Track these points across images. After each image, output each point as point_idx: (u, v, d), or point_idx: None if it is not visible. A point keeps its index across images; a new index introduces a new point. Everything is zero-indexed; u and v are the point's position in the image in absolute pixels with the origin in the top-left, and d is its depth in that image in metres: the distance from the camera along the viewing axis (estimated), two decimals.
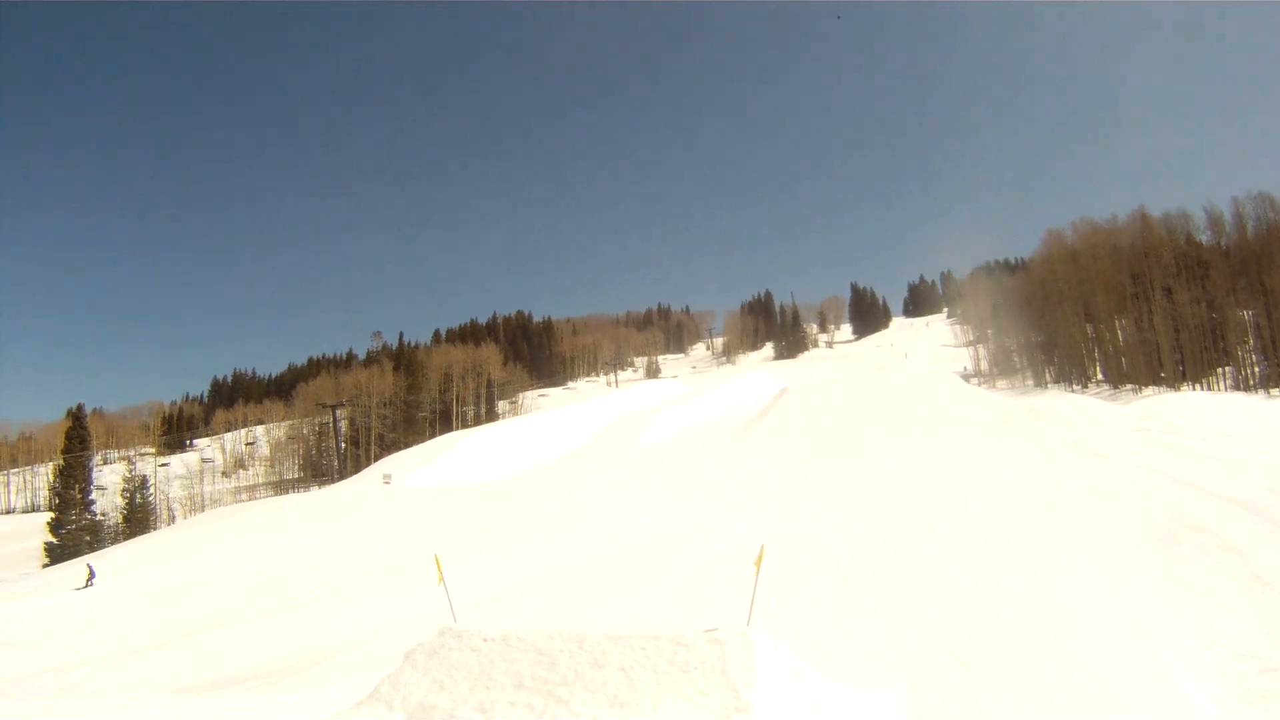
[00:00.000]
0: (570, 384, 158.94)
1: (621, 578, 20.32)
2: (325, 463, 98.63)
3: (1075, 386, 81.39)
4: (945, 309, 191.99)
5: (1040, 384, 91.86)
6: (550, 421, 70.64)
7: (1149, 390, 69.29)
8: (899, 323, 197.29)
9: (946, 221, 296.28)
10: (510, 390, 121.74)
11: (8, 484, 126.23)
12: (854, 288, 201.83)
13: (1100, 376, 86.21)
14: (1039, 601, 14.09)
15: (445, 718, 5.70)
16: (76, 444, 56.10)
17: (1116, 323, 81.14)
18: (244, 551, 31.41)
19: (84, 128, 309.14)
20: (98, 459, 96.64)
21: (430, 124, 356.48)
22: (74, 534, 50.65)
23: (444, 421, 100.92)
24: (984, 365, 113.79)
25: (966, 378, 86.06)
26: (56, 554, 48.86)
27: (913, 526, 21.66)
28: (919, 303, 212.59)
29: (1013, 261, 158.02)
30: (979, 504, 24.09)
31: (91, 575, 28.79)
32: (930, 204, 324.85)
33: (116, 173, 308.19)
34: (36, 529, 60.82)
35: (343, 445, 76.64)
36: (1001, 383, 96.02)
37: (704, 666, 5.62)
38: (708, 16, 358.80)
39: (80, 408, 65.60)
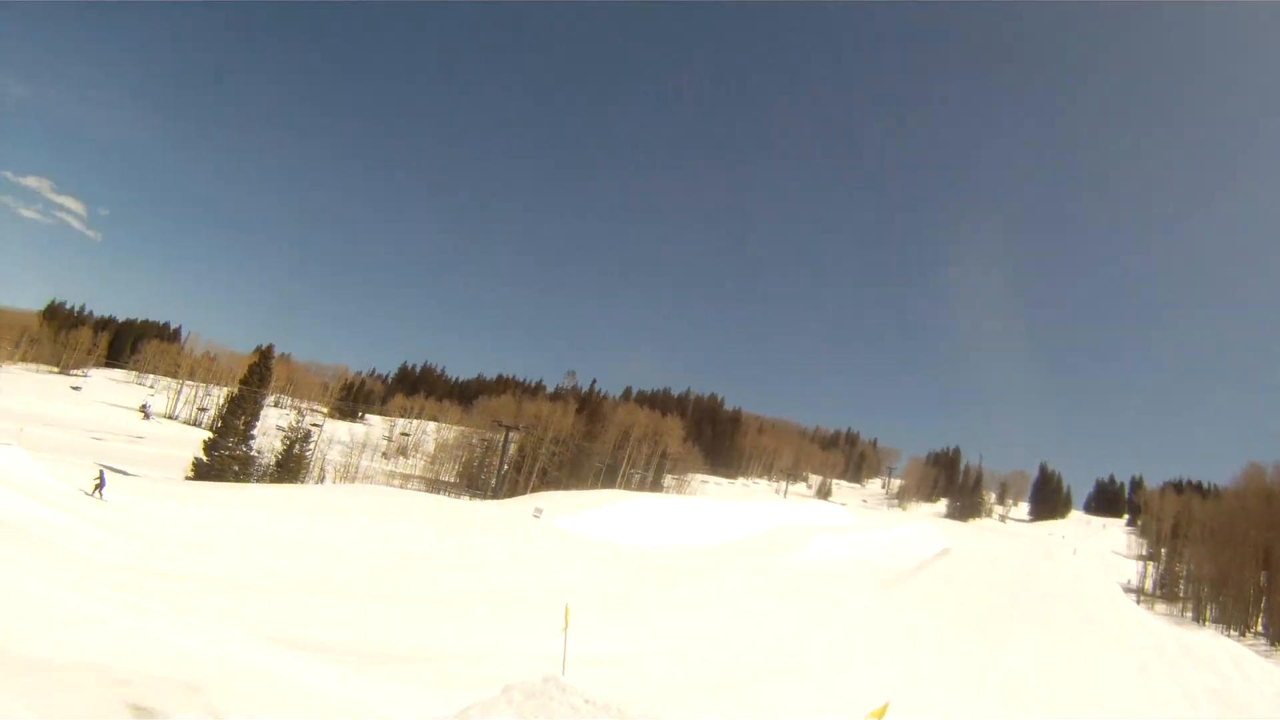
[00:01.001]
0: (744, 479, 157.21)
1: (734, 685, 19.99)
2: (483, 478, 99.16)
3: (1233, 631, 74.46)
4: (1127, 515, 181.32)
5: (1199, 619, 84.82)
6: (714, 509, 70.15)
7: None
8: (1077, 516, 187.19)
9: (1152, 423, 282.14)
10: (682, 467, 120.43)
11: (179, 394, 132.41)
12: (1042, 468, 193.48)
13: (1260, 629, 79.03)
14: None
15: None
16: (256, 379, 57.04)
17: None
18: (383, 533, 31.28)
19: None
20: (270, 400, 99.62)
21: (694, 199, 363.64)
22: (224, 459, 51.10)
23: (609, 476, 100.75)
24: (1149, 584, 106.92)
25: (1129, 591, 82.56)
26: (203, 472, 49.59)
27: None
28: (1102, 501, 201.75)
29: (1206, 485, 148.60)
30: None
31: (101, 483, 27.59)
32: (1144, 404, 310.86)
33: (383, 134, 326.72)
34: (191, 443, 62.22)
35: (505, 467, 76.38)
36: (1161, 607, 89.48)
37: None
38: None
39: (270, 347, 67.17)
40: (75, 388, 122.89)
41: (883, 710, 7.26)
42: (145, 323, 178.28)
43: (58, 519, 18.54)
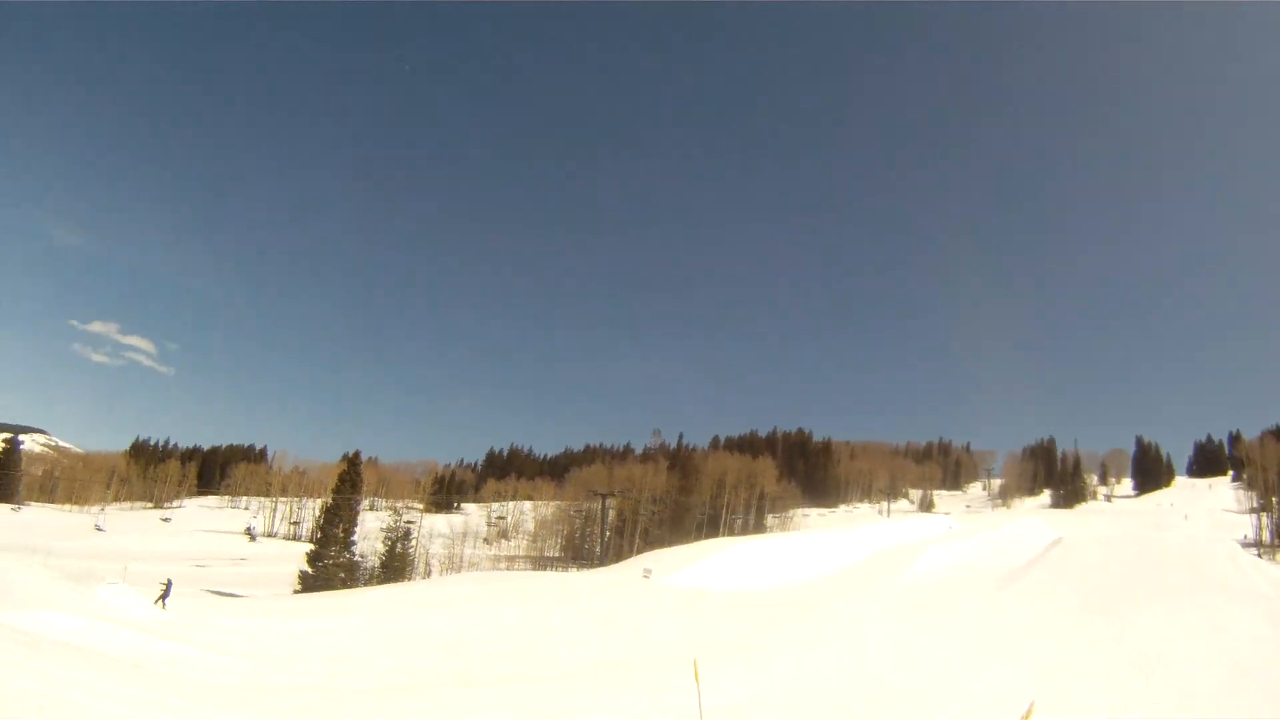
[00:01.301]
0: (846, 506, 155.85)
1: (869, 713, 19.76)
2: (587, 547, 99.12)
3: None
4: (1231, 472, 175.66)
5: None
6: (816, 542, 69.58)
7: None
8: (1182, 482, 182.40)
9: (1241, 378, 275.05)
10: (781, 505, 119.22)
11: (274, 511, 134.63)
12: (1139, 441, 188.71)
13: None
14: None
15: None
16: (348, 486, 57.46)
17: None
18: (494, 617, 31.73)
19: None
20: (365, 504, 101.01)
21: (737, 240, 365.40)
22: (330, 569, 51.50)
23: (711, 526, 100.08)
24: (1266, 535, 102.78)
25: (1247, 546, 79.41)
26: (309, 583, 49.82)
27: (1172, 702, 20.84)
28: (1204, 463, 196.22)
29: None
30: (1246, 689, 22.45)
31: (167, 590, 27.90)
32: (1226, 358, 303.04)
33: (438, 230, 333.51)
34: (294, 557, 62.97)
35: (607, 534, 76.38)
36: None
37: None
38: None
39: (357, 454, 67.98)
40: (165, 519, 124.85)
41: (1029, 712, 7.08)
42: (231, 447, 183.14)
43: (172, 649, 18.83)
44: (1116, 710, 19.36)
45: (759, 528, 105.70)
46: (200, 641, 20.51)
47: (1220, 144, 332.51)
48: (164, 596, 28.29)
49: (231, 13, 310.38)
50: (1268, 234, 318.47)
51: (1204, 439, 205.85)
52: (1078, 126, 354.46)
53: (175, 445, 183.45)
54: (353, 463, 63.88)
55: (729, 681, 20.93)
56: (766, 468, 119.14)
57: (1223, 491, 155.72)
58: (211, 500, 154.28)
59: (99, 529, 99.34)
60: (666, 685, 20.32)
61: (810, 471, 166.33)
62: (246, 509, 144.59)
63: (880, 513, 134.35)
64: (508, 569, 79.87)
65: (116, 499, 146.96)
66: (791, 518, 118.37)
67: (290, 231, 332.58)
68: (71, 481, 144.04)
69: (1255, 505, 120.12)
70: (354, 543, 55.05)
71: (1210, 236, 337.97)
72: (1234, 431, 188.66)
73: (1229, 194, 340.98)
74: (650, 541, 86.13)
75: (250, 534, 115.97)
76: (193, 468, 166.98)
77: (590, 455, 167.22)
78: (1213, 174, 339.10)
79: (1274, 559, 69.06)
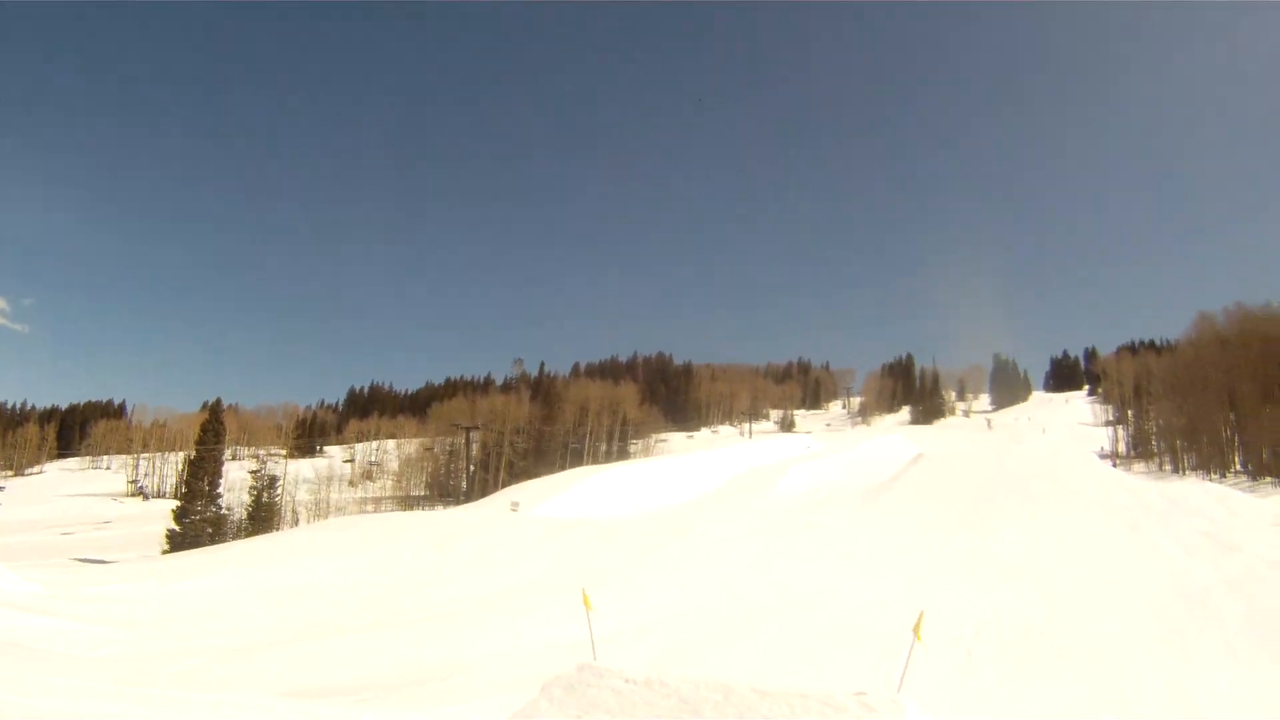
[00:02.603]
0: (709, 429, 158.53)
1: (742, 629, 20.51)
2: (453, 483, 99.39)
3: (1213, 476, 77.42)
4: (1086, 386, 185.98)
5: (1178, 470, 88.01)
6: (681, 466, 70.69)
7: None
8: (1039, 397, 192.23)
9: (1094, 295, 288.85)
10: (644, 430, 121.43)
11: (136, 467, 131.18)
12: (996, 358, 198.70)
13: (1239, 467, 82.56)
14: (1169, 695, 14.19)
15: None
16: (211, 437, 56.07)
17: (1262, 413, 76.41)
18: (366, 561, 31.54)
19: (250, 116, 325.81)
20: (228, 454, 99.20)
21: (595, 161, 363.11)
22: (197, 524, 50.45)
23: (576, 455, 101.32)
24: (1122, 447, 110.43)
25: (1103, 457, 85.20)
26: (178, 542, 48.52)
27: (1040, 608, 21.72)
28: (1060, 378, 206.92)
29: (1159, 343, 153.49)
30: (1109, 590, 23.93)
31: None
32: (1077, 276, 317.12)
33: (273, 165, 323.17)
34: (160, 515, 61.73)
35: (472, 468, 76.73)
36: (1138, 466, 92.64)
37: None
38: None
39: (218, 401, 66.70)
40: None
41: (919, 621, 7.79)
42: (89, 404, 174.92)
43: (44, 624, 18.68)
44: (984, 618, 20.38)
45: (623, 454, 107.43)
46: (74, 614, 20.21)
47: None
48: None
49: None
50: (1121, 152, 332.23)
51: (1060, 355, 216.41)
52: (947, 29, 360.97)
53: (33, 406, 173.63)
54: (214, 411, 62.62)
55: (610, 608, 21.43)
56: (629, 393, 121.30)
57: (1079, 405, 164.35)
58: (72, 462, 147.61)
59: None
60: (546, 617, 21.11)
61: (672, 395, 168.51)
62: (108, 469, 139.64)
63: (742, 434, 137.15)
64: (375, 511, 79.50)
65: None
66: (655, 442, 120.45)
67: (139, 175, 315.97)
68: None
69: (1111, 418, 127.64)
70: (220, 495, 53.90)
71: (1067, 154, 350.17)
72: (1090, 348, 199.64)
73: (1083, 108, 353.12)
74: (516, 474, 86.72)
75: (143, 492, 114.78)
76: (51, 429, 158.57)
77: (452, 388, 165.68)
78: (1053, 83, 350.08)
79: (1130, 469, 73.31)
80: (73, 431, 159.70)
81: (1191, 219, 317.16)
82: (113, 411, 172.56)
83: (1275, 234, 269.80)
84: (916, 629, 7.53)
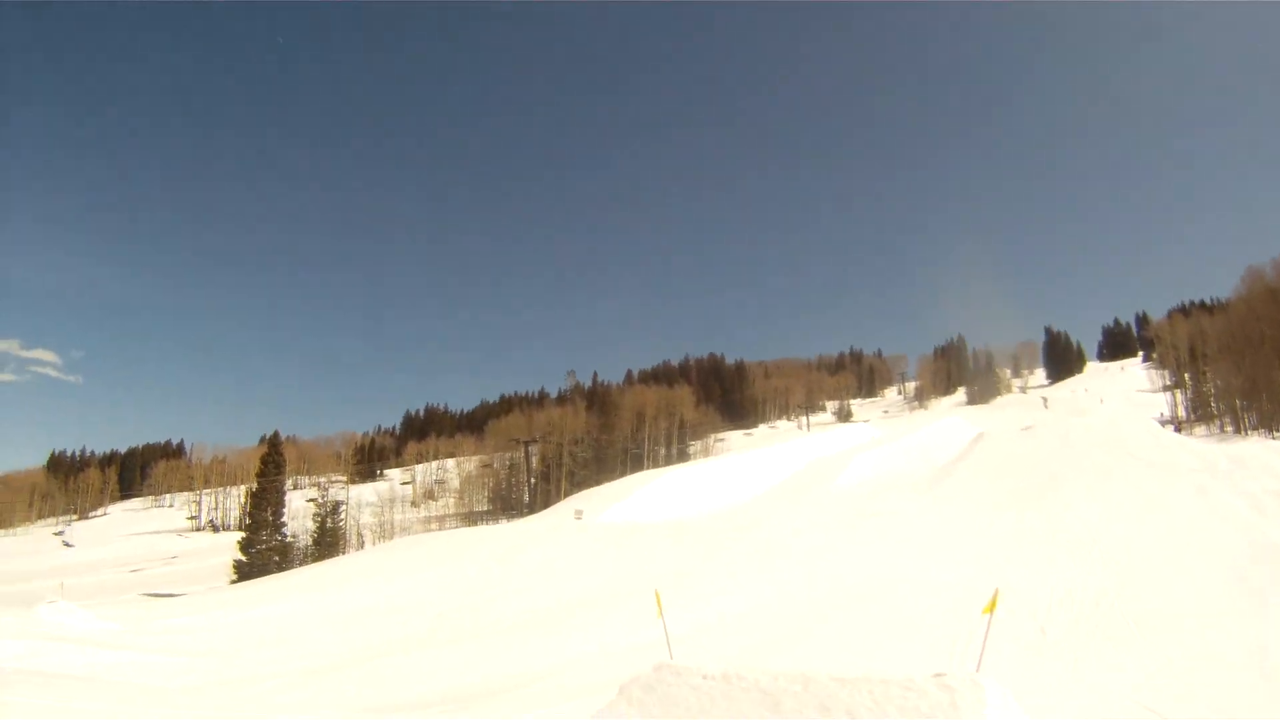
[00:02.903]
0: (766, 425, 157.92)
1: (817, 623, 20.18)
2: (515, 497, 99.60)
3: (1276, 433, 74.82)
4: (1140, 353, 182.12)
5: (1240, 430, 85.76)
6: (742, 463, 70.07)
7: None
8: (1093, 367, 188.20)
9: (1143, 261, 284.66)
10: (702, 431, 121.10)
11: (199, 503, 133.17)
12: (1048, 331, 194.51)
13: None
14: (1248, 658, 13.69)
15: None
16: (271, 468, 57.17)
17: None
18: (433, 579, 31.55)
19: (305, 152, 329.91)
20: (289, 484, 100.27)
21: (632, 176, 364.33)
22: (263, 554, 51.42)
23: (635, 461, 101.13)
24: (1181, 411, 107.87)
25: (1164, 423, 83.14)
26: (245, 572, 49.68)
27: (1113, 578, 21.49)
28: (1114, 347, 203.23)
29: (1210, 302, 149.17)
30: (1181, 555, 23.58)
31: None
32: (1125, 243, 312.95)
33: (320, 203, 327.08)
34: (225, 547, 62.76)
35: (533, 480, 76.87)
36: (1199, 429, 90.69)
37: (934, 712, 5.24)
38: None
39: (276, 434, 67.80)
40: (60, 535, 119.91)
41: (994, 601, 7.59)
42: (148, 447, 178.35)
43: (122, 658, 18.83)
44: (1058, 592, 20.17)
45: (682, 456, 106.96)
46: (147, 646, 20.42)
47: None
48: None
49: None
50: (1156, 122, 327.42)
51: (1111, 323, 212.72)
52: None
53: (92, 453, 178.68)
54: (273, 443, 63.58)
55: (681, 608, 21.23)
56: (684, 395, 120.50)
57: (1134, 373, 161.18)
58: (135, 503, 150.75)
59: (67, 544, 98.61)
60: (618, 622, 20.92)
61: (727, 395, 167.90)
62: (171, 506, 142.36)
63: (800, 428, 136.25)
64: (439, 529, 79.89)
65: (40, 516, 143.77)
66: (714, 442, 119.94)
67: (173, 221, 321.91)
68: None
69: (1169, 383, 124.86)
70: (284, 524, 54.90)
71: (1101, 120, 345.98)
72: (1140, 313, 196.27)
73: (1118, 86, 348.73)
74: (577, 483, 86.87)
75: (213, 526, 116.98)
76: (113, 473, 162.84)
77: (507, 405, 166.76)
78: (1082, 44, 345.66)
79: (1192, 433, 71.65)
80: (133, 473, 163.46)
81: (1233, 173, 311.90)
82: (172, 452, 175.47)
83: None
84: (990, 608, 7.30)
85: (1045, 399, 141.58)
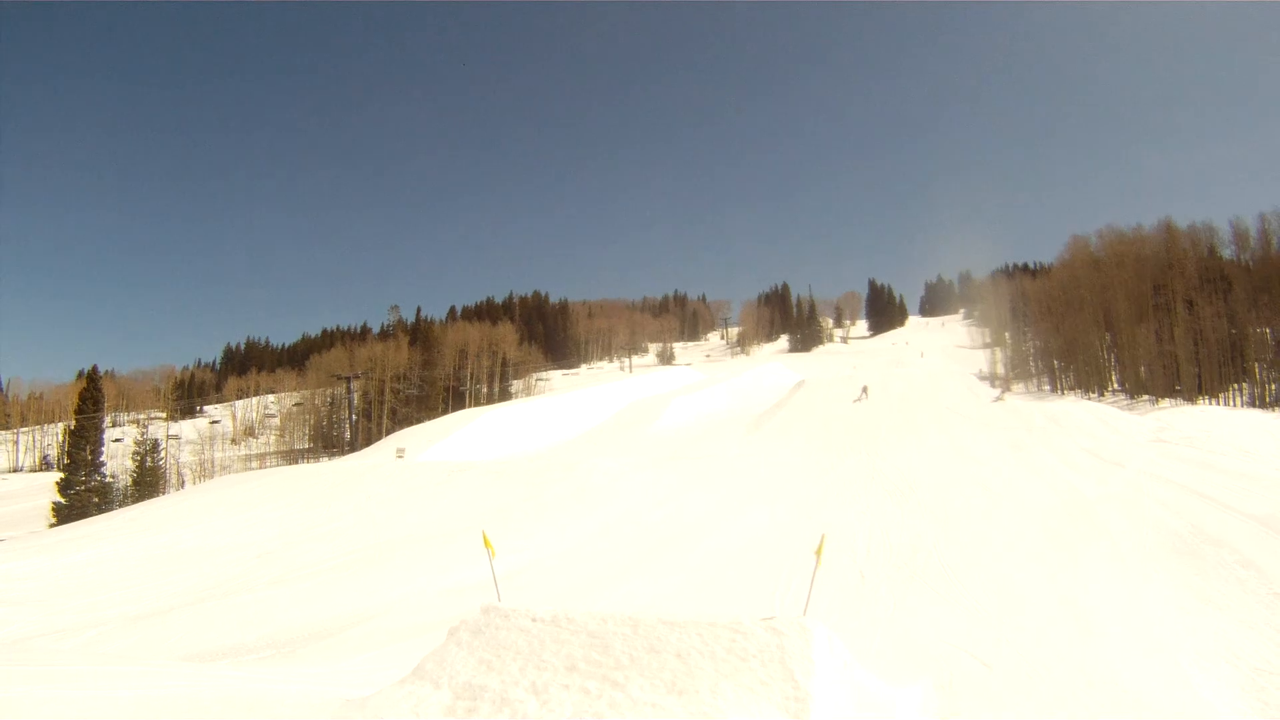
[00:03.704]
0: (588, 365, 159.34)
1: (639, 562, 20.20)
2: (336, 434, 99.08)
3: (1092, 394, 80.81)
4: (962, 310, 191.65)
5: (1057, 390, 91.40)
6: (564, 403, 70.76)
7: (1165, 402, 69.19)
8: (915, 321, 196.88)
9: (967, 221, 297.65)
10: (524, 370, 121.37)
11: (16, 442, 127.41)
12: (872, 284, 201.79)
13: (1117, 385, 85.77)
14: (1059, 607, 13.97)
15: (496, 699, 5.34)
16: (89, 405, 55.92)
17: (1136, 332, 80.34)
18: (255, 519, 30.95)
19: (104, 89, 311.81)
20: (108, 421, 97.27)
21: (460, 108, 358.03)
22: (83, 495, 50.60)
23: (457, 398, 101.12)
24: (1000, 368, 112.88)
25: (982, 379, 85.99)
26: (64, 514, 48.91)
27: (929, 526, 21.53)
28: (936, 302, 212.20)
29: (1033, 265, 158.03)
30: (997, 507, 23.89)
31: None
32: (951, 203, 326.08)
33: (137, 136, 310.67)
34: (44, 488, 61.10)
35: (355, 418, 76.69)
36: (1017, 387, 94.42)
37: (762, 655, 5.36)
38: (732, 20, 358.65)
39: (94, 369, 65.91)
40: None
41: (820, 546, 8.14)
42: None
43: None
44: (876, 538, 20.52)
45: (505, 395, 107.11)
46: None
47: None
48: None
49: None
50: (995, 76, 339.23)
51: (934, 279, 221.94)
52: None
53: None
54: (91, 378, 61.79)
55: (504, 550, 21.47)
56: (507, 333, 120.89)
57: (955, 329, 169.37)
58: None
59: None
60: (445, 562, 20.63)
61: (550, 334, 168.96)
62: None
63: (623, 369, 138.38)
64: (260, 467, 79.04)
65: None
66: (536, 382, 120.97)
67: None
68: None
69: (987, 341, 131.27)
70: (103, 464, 53.81)
71: (940, 80, 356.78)
72: (964, 271, 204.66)
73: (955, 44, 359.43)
74: (399, 421, 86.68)
75: (34, 466, 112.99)
76: None
77: (329, 339, 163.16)
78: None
79: (1009, 389, 75.46)
80: None
81: (1063, 144, 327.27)
82: None
83: (1146, 157, 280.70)
84: (818, 552, 7.28)
85: (860, 351, 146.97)
